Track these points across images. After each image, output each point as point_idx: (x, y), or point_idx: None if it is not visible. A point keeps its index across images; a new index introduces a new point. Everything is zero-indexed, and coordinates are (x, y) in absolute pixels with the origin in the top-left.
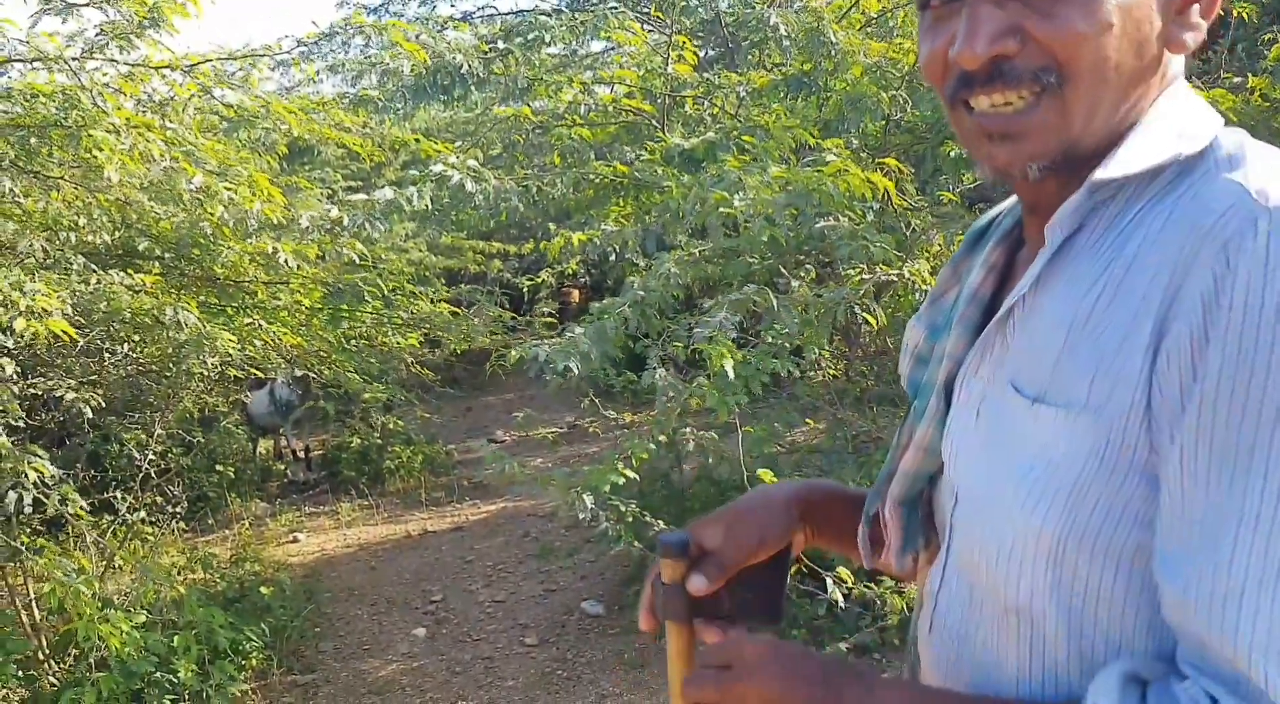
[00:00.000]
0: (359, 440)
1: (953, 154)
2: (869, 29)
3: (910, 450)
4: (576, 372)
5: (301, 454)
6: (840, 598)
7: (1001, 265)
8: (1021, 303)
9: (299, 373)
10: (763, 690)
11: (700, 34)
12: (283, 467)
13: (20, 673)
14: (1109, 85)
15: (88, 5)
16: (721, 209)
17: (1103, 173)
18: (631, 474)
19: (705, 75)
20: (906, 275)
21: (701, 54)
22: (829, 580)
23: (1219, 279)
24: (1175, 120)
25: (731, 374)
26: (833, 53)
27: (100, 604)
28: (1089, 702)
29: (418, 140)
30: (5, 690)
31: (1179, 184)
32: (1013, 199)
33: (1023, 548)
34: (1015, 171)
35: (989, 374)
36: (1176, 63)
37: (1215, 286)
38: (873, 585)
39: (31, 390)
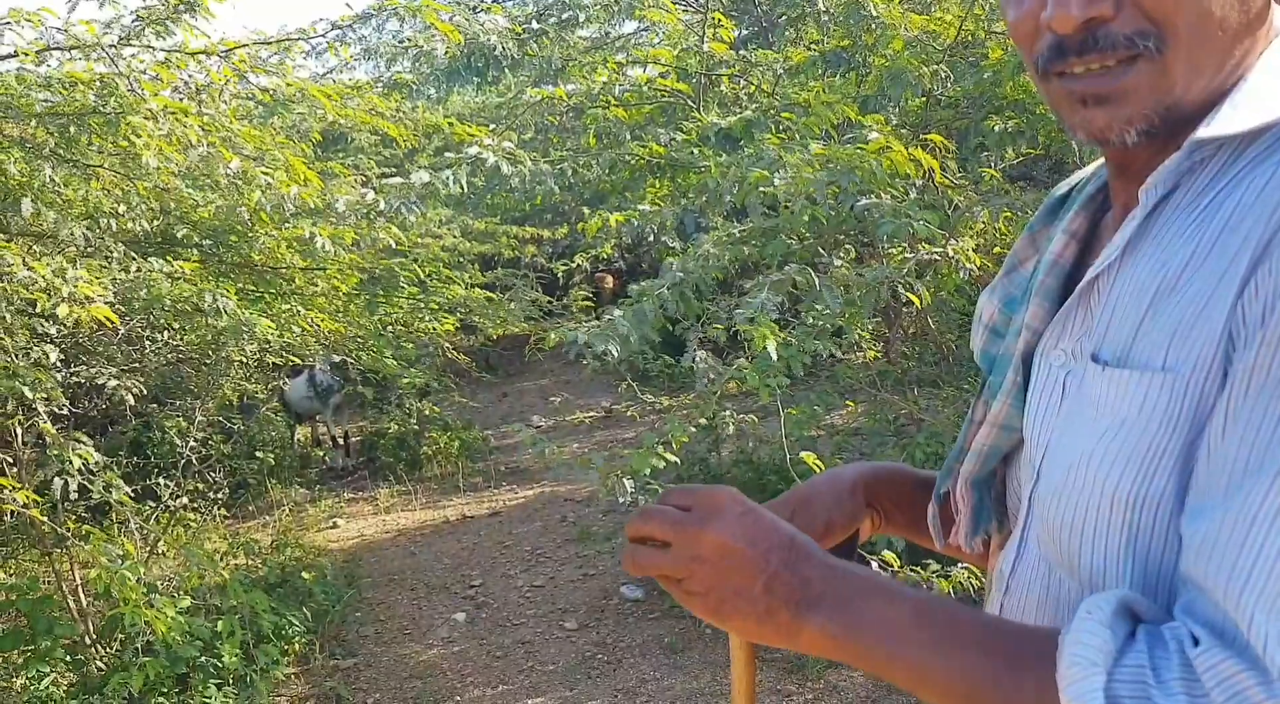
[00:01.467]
0: (396, 427)
1: (996, 129)
2: (909, 2)
3: (984, 427)
4: (615, 355)
5: (341, 440)
6: None
7: (1084, 233)
8: (1108, 271)
9: (336, 359)
10: (722, 540)
11: (735, 14)
12: (321, 453)
13: (68, 657)
14: (1212, 45)
15: None
16: (761, 188)
17: (1205, 131)
18: (672, 457)
19: (741, 53)
20: (950, 254)
21: (736, 34)
22: (874, 564)
23: None
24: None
25: (775, 355)
26: (873, 27)
27: (145, 589)
28: (1076, 619)
29: (450, 124)
30: (54, 674)
31: None
32: (1093, 166)
33: (1097, 514)
34: (1113, 136)
35: (1071, 346)
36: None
37: None
38: (918, 570)
39: (75, 378)
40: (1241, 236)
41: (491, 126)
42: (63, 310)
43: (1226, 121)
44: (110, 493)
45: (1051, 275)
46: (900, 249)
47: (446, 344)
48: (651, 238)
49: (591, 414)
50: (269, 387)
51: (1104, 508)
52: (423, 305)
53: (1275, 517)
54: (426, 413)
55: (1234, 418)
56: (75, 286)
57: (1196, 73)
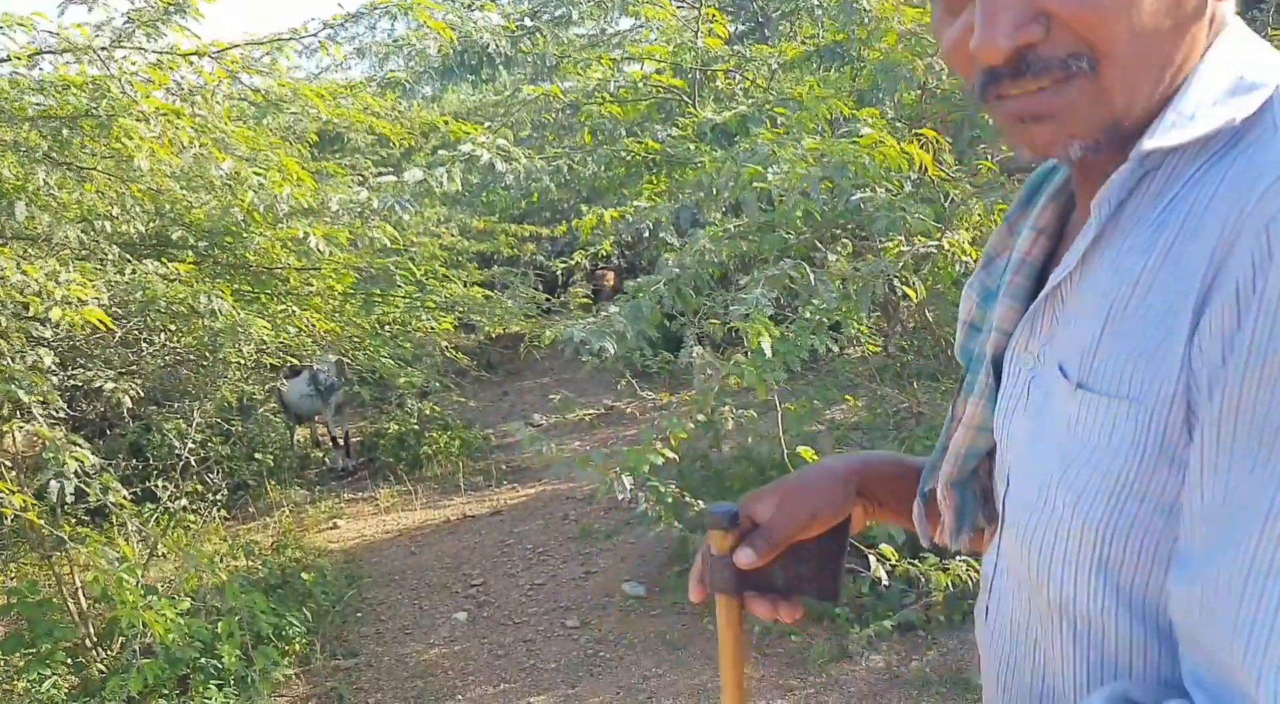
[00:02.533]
0: (396, 426)
1: (991, 121)
2: None
3: (960, 427)
4: (612, 352)
5: (341, 440)
6: (884, 575)
7: (1053, 228)
8: (1069, 279)
9: (334, 358)
10: None
11: (730, 9)
12: (321, 454)
13: (69, 660)
14: (1147, 58)
15: None
16: (755, 184)
17: (1150, 142)
18: (670, 454)
19: (736, 48)
20: (946, 246)
21: (731, 29)
22: (872, 557)
23: (1257, 265)
24: (1230, 72)
25: (769, 352)
26: (866, 20)
27: (144, 592)
28: None
29: (446, 122)
30: (55, 677)
31: (1235, 145)
32: None
33: (1066, 544)
34: (1057, 152)
35: (1038, 350)
36: (1227, 4)
37: (1253, 272)
38: (917, 562)
39: (72, 381)
40: (1192, 257)
41: (487, 124)
42: (56, 314)
43: (1171, 131)
44: (107, 496)
45: (1021, 274)
46: (896, 243)
47: (445, 343)
48: (649, 234)
49: (592, 411)
50: (266, 387)
51: (1074, 535)
52: (420, 304)
53: (1269, 568)
54: (427, 412)
55: (1210, 469)
56: (68, 290)
57: (1134, 87)
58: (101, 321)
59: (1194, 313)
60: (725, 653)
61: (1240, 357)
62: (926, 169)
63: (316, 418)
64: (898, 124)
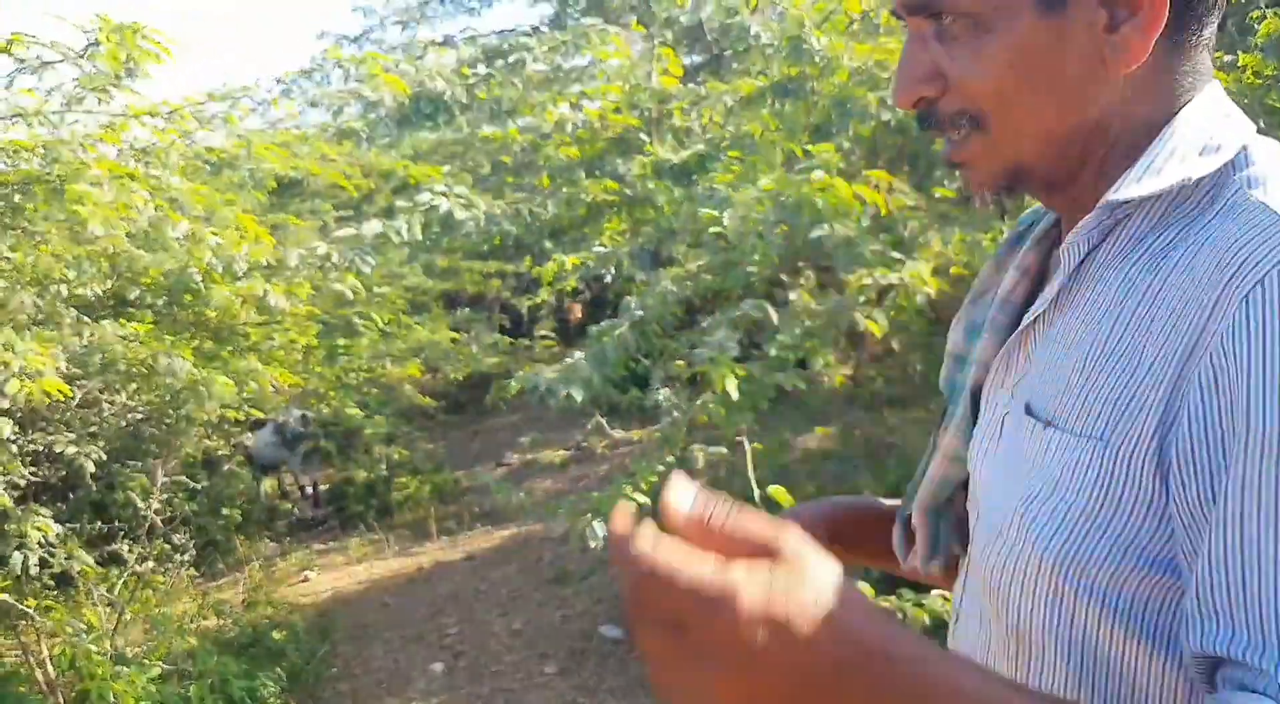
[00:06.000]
0: (365, 474)
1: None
2: (854, 28)
3: (938, 457)
4: (579, 398)
5: (310, 490)
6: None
7: (1035, 270)
8: (1042, 319)
9: (297, 414)
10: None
11: (686, 41)
12: (289, 505)
13: None
14: (1037, 123)
15: (62, 62)
16: (712, 228)
17: (1113, 195)
18: (643, 498)
19: (692, 84)
20: (907, 279)
21: (688, 61)
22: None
23: (1236, 333)
24: (1199, 131)
25: (735, 394)
26: (816, 58)
27: (113, 660)
28: None
29: (405, 166)
30: None
31: (1212, 205)
32: None
33: (1024, 574)
34: (976, 196)
35: (1012, 387)
36: (1193, 60)
37: (1233, 342)
38: (893, 597)
39: (32, 445)
40: (1171, 314)
41: (446, 167)
42: (13, 386)
43: (1135, 185)
44: (72, 563)
45: (1003, 312)
46: (858, 276)
47: (410, 388)
48: (609, 278)
49: (564, 450)
50: (231, 443)
51: (1031, 565)
52: (384, 352)
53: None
54: (396, 458)
55: (1220, 538)
56: (25, 360)
57: (1022, 139)
58: (61, 390)
59: (1172, 375)
60: None
61: (1240, 439)
62: (884, 207)
63: (283, 468)
64: (854, 157)
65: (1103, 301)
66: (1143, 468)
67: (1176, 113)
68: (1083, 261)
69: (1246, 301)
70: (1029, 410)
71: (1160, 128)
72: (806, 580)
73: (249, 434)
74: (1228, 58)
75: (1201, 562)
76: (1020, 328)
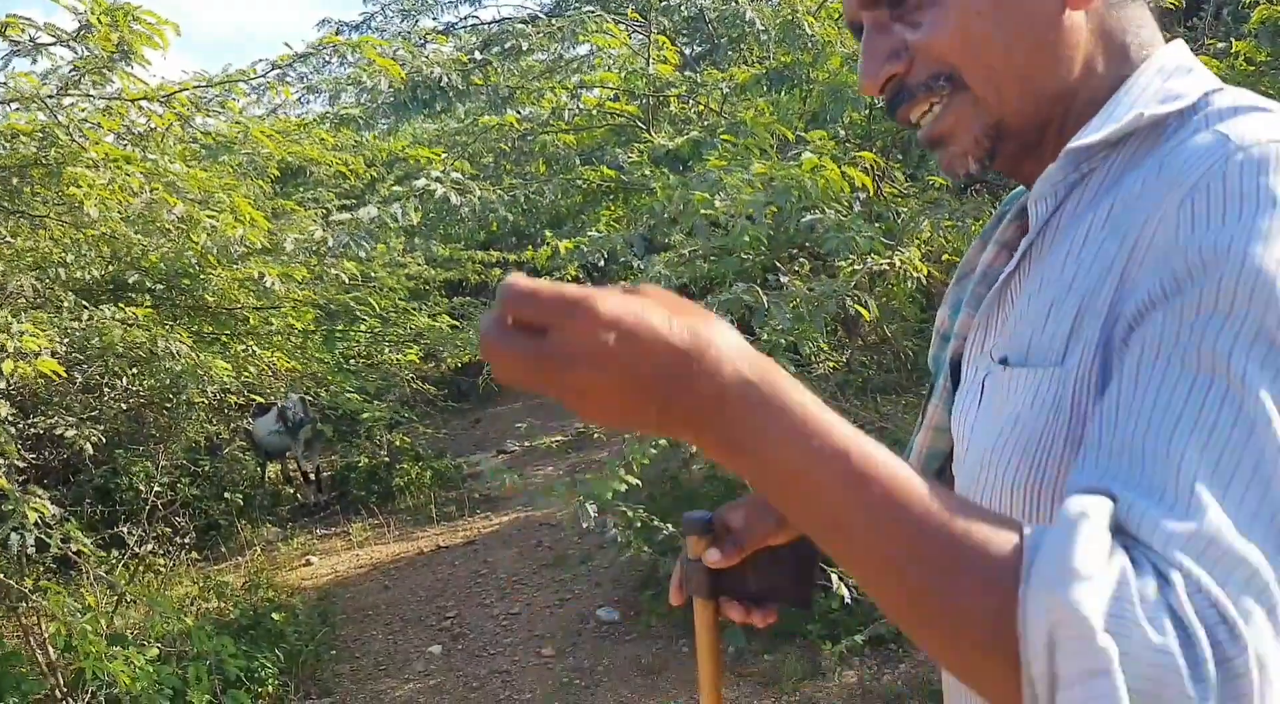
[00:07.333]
0: (367, 460)
1: None
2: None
3: (923, 430)
4: None
5: (312, 476)
6: (847, 593)
7: (1015, 242)
8: (1016, 276)
9: (296, 398)
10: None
11: (685, 31)
12: (292, 490)
13: None
14: (1009, 64)
15: (55, 44)
16: (704, 210)
17: (1075, 141)
18: (633, 480)
19: (689, 73)
20: (897, 264)
21: (687, 51)
22: (834, 576)
23: (1181, 228)
24: (1158, 84)
25: None
26: (810, 45)
27: (108, 641)
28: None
29: (404, 147)
30: None
31: (1168, 143)
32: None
33: (998, 506)
34: (959, 171)
35: (990, 350)
36: (1142, 14)
37: (1175, 234)
38: None
39: (33, 429)
40: (1121, 234)
41: (446, 156)
42: (7, 366)
43: (1092, 131)
44: (69, 545)
45: (983, 284)
46: (849, 261)
47: (411, 375)
48: (603, 262)
49: (563, 436)
50: (232, 427)
51: (1004, 499)
52: (383, 338)
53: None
54: (397, 444)
55: (1131, 382)
56: (20, 341)
57: (1003, 88)
58: (55, 371)
59: (1115, 286)
60: (703, 654)
61: (1160, 306)
62: (877, 187)
63: (286, 454)
64: (847, 144)
65: (1070, 245)
66: (1091, 374)
67: (1136, 70)
68: (1051, 217)
69: (1190, 198)
70: (1005, 362)
71: (1120, 86)
72: (662, 308)
73: (252, 419)
74: (1220, 44)
75: (1099, 408)
76: (996, 285)
